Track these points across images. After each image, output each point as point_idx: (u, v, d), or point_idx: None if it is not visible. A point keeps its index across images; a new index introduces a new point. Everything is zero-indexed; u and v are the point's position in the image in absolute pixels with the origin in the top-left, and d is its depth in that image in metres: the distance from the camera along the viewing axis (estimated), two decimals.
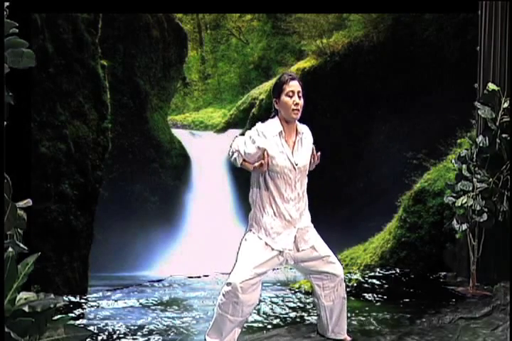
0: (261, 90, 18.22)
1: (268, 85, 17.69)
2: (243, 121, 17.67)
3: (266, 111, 15.58)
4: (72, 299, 7.84)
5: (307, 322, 5.80)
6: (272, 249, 3.33)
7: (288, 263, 3.42)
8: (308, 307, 6.75)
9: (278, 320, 6.22)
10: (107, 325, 6.54)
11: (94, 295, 8.52)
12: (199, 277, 9.62)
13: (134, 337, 6.00)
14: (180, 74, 18.66)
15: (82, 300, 7.95)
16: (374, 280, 7.45)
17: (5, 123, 2.64)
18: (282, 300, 7.15)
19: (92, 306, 7.68)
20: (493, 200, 5.82)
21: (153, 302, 8.03)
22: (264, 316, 6.32)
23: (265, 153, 3.23)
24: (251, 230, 3.39)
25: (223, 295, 3.26)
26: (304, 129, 3.45)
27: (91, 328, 5.92)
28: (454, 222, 6.11)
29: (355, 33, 15.46)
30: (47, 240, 8.23)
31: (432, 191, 8.21)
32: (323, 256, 3.46)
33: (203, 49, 27.81)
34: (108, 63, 11.21)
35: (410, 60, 14.04)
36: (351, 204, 14.84)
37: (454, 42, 13.13)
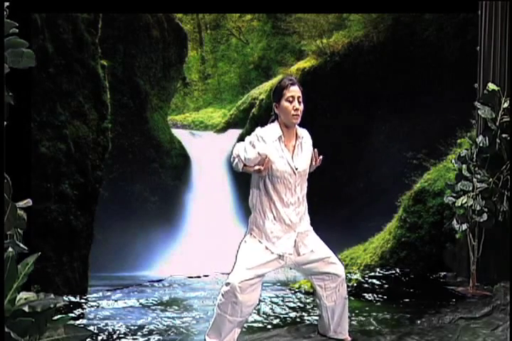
0: (261, 90, 18.21)
1: (268, 85, 17.69)
2: (243, 121, 17.67)
3: (266, 111, 15.60)
4: (72, 299, 7.84)
5: (307, 322, 5.81)
6: (272, 253, 3.33)
7: (288, 266, 3.43)
8: (308, 307, 6.75)
9: (278, 320, 6.23)
10: (107, 325, 6.55)
11: (94, 295, 8.53)
12: (199, 277, 9.63)
13: (134, 337, 6.01)
14: (180, 74, 18.66)
15: (82, 300, 7.96)
16: (374, 280, 7.46)
17: (5, 123, 2.64)
18: (282, 300, 7.16)
19: (92, 306, 7.69)
20: (493, 200, 5.82)
21: (153, 302, 8.04)
22: (264, 316, 6.33)
23: (266, 159, 3.23)
24: (251, 233, 3.40)
25: (222, 295, 3.27)
26: (304, 133, 3.46)
27: (91, 328, 5.92)
28: (454, 222, 6.11)
29: (355, 33, 15.46)
30: (47, 240, 8.23)
31: (432, 191, 8.22)
32: (323, 258, 3.46)
33: (203, 49, 27.82)
34: (108, 63, 11.21)
35: (410, 60, 14.04)
36: (351, 204, 14.84)
37: (454, 42, 13.13)
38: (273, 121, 3.41)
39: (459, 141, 8.22)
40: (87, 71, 9.48)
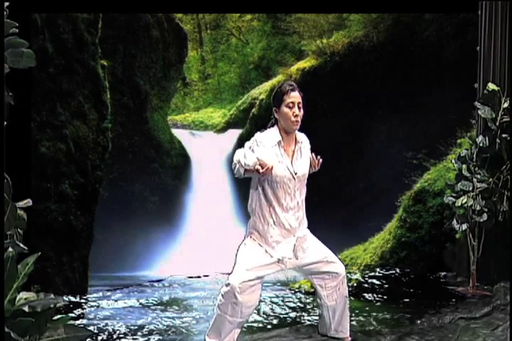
0: (261, 90, 18.20)
1: (268, 85, 17.69)
2: (243, 121, 17.66)
3: (266, 111, 15.59)
4: (72, 299, 7.84)
5: (307, 322, 5.81)
6: (272, 257, 3.35)
7: (288, 268, 3.45)
8: (308, 307, 6.76)
9: (278, 320, 6.23)
10: (107, 325, 6.56)
11: (94, 295, 8.54)
12: (199, 277, 9.63)
13: (134, 337, 6.02)
14: (180, 74, 18.66)
15: (82, 300, 7.96)
16: (374, 280, 7.46)
17: (5, 123, 2.64)
18: (282, 300, 7.16)
19: (92, 306, 7.70)
20: (493, 200, 5.82)
21: (153, 302, 8.04)
22: (264, 316, 6.33)
23: (268, 165, 3.22)
24: (251, 236, 3.41)
25: (222, 295, 3.27)
26: (303, 138, 3.47)
27: (91, 328, 5.92)
28: (454, 222, 6.11)
29: (355, 33, 15.46)
30: (47, 240, 8.23)
31: (432, 191, 8.22)
32: (322, 259, 3.47)
33: (203, 49, 27.81)
34: (108, 63, 11.21)
35: (410, 60, 14.04)
36: (351, 204, 14.83)
37: (454, 42, 13.12)
38: (272, 126, 3.42)
39: (459, 141, 8.21)
40: (87, 71, 9.48)
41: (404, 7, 9.18)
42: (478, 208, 5.81)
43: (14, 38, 2.64)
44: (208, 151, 16.55)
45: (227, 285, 3.25)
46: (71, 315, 6.67)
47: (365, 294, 6.91)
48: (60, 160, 8.67)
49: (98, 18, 9.96)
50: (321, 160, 3.47)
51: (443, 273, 7.39)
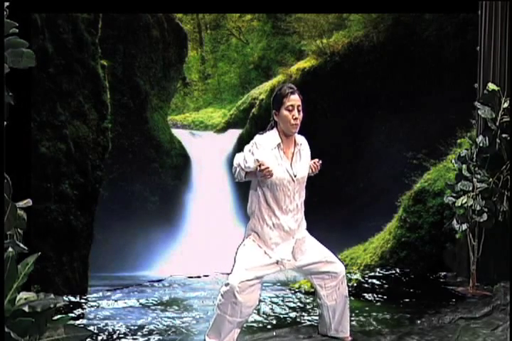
0: (261, 90, 18.20)
1: (268, 85, 17.68)
2: (243, 121, 17.65)
3: (266, 111, 15.59)
4: (72, 299, 7.84)
5: (307, 322, 5.81)
6: (270, 258, 3.36)
7: (287, 269, 3.46)
8: (308, 307, 6.76)
9: (278, 320, 6.23)
10: (107, 325, 6.55)
11: (94, 295, 8.54)
12: (199, 277, 9.63)
13: (134, 337, 6.01)
14: (180, 74, 18.65)
15: (82, 300, 7.96)
16: (374, 280, 7.46)
17: (5, 123, 2.64)
18: (282, 300, 7.16)
19: (92, 306, 7.70)
20: (493, 200, 5.82)
21: (153, 302, 8.04)
22: (264, 316, 6.33)
23: (267, 168, 3.22)
24: (250, 237, 3.41)
25: (222, 295, 3.28)
26: (302, 140, 3.48)
27: (91, 328, 5.92)
28: (454, 222, 6.11)
29: (355, 33, 15.45)
30: (47, 240, 8.22)
31: (432, 191, 8.22)
32: (321, 259, 3.48)
33: (203, 49, 27.81)
34: (108, 63, 11.21)
35: (410, 60, 14.03)
36: (351, 204, 14.83)
37: (454, 42, 13.12)
38: (272, 128, 3.42)
39: (459, 141, 8.21)
40: (87, 71, 9.48)
41: (404, 7, 9.18)
42: (478, 208, 5.81)
43: (14, 38, 2.64)
44: (208, 151, 16.55)
45: (227, 284, 3.26)
46: (71, 315, 6.67)
47: (365, 294, 6.91)
48: (60, 160, 8.67)
49: (98, 18, 9.96)
50: (320, 162, 3.48)
51: (443, 273, 7.39)
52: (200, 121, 23.27)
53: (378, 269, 8.05)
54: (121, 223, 14.26)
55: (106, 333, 6.15)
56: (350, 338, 3.68)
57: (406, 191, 8.90)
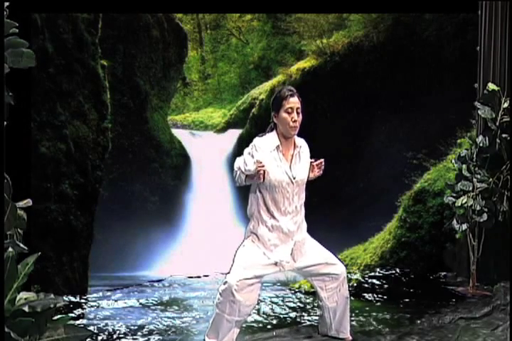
0: (261, 90, 18.19)
1: (268, 85, 17.68)
2: (243, 121, 17.65)
3: (266, 111, 15.58)
4: (72, 299, 7.85)
5: (307, 322, 5.81)
6: (269, 258, 3.36)
7: (286, 270, 3.47)
8: (308, 307, 6.76)
9: (278, 320, 6.23)
10: (107, 325, 6.56)
11: (94, 295, 8.54)
12: (199, 277, 9.63)
13: (134, 337, 6.02)
14: (180, 74, 18.65)
15: (82, 300, 7.96)
16: (374, 280, 7.46)
17: (5, 123, 2.64)
18: (282, 300, 7.16)
19: (92, 306, 7.70)
20: (493, 200, 5.82)
21: (153, 302, 8.04)
22: (264, 316, 6.33)
23: (263, 166, 3.22)
24: (249, 238, 3.42)
25: (220, 294, 3.29)
26: (302, 143, 3.49)
27: (91, 328, 5.92)
28: (454, 222, 6.11)
29: (355, 33, 15.45)
30: (47, 240, 8.23)
31: (432, 191, 8.21)
32: (322, 261, 3.49)
33: (203, 49, 27.81)
34: (108, 63, 11.21)
35: (410, 60, 14.03)
36: (351, 204, 14.83)
37: (454, 42, 13.12)
38: (271, 130, 3.43)
39: (459, 141, 8.21)
40: (87, 71, 9.48)
41: (404, 7, 9.18)
42: (478, 208, 5.81)
43: (14, 38, 2.64)
44: (207, 151, 16.55)
45: (225, 283, 3.27)
46: (71, 315, 6.67)
47: (365, 294, 6.91)
48: (60, 160, 8.67)
49: (98, 18, 9.96)
50: (322, 161, 3.47)
51: (443, 273, 7.39)
52: (200, 121, 23.26)
53: (378, 269, 8.05)
54: (121, 223, 14.25)
55: (106, 333, 6.16)
56: (350, 338, 3.68)
57: (406, 191, 8.90)
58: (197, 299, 8.29)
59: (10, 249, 2.56)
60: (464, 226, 5.97)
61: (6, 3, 2.67)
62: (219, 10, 17.58)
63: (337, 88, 15.19)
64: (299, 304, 7.00)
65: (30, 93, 4.38)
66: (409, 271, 7.88)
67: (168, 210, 15.57)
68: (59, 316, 2.67)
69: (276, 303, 7.01)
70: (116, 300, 8.11)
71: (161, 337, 5.95)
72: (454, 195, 6.08)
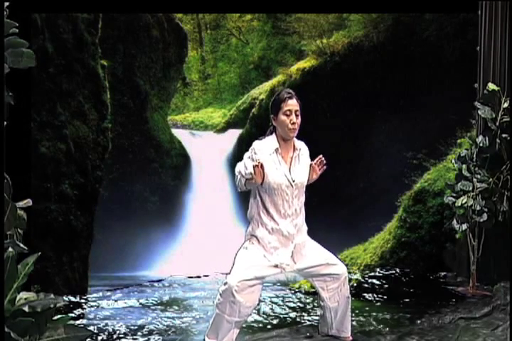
0: (261, 90, 18.20)
1: (268, 85, 17.68)
2: (243, 121, 17.66)
3: (266, 111, 15.57)
4: (72, 299, 7.84)
5: (307, 322, 5.81)
6: (269, 261, 3.36)
7: (287, 272, 3.47)
8: (308, 307, 6.76)
9: (278, 320, 6.23)
10: (107, 325, 6.56)
11: (94, 295, 8.54)
12: (199, 277, 9.63)
13: (134, 337, 6.02)
14: (180, 74, 18.65)
15: (82, 300, 7.96)
16: (374, 280, 7.46)
17: (5, 123, 2.64)
18: (282, 300, 7.16)
19: (92, 306, 7.70)
20: (493, 200, 5.82)
21: (153, 302, 8.04)
22: (264, 316, 6.33)
23: (260, 164, 3.22)
24: (250, 240, 3.42)
25: (220, 294, 3.29)
26: (301, 146, 3.49)
27: (91, 328, 5.92)
28: (454, 222, 6.11)
29: (355, 33, 15.45)
30: (47, 240, 8.23)
31: (432, 191, 8.22)
32: (322, 262, 3.49)
33: (203, 49, 27.81)
34: (108, 63, 11.20)
35: (410, 60, 14.03)
36: (351, 204, 14.83)
37: (454, 42, 13.12)
38: (271, 133, 3.43)
39: (459, 141, 8.21)
40: (87, 71, 9.48)
41: (404, 7, 9.20)
42: (478, 208, 5.81)
43: (14, 38, 2.64)
44: (207, 151, 16.55)
45: (225, 284, 3.27)
46: (71, 315, 6.67)
47: (365, 294, 6.91)
48: (60, 160, 8.67)
49: (98, 18, 9.96)
50: (323, 158, 3.47)
51: (443, 273, 7.39)
52: (200, 121, 23.27)
53: (378, 269, 8.05)
54: (121, 223, 14.25)
55: (106, 333, 6.16)
56: (350, 338, 3.68)
57: (406, 191, 8.90)
58: (197, 299, 8.29)
59: (10, 249, 2.56)
60: (464, 226, 5.97)
61: (6, 3, 2.67)
62: (219, 10, 17.60)
63: (337, 88, 15.19)
64: (299, 304, 7.00)
65: (30, 93, 4.37)
66: (409, 271, 7.88)
67: (168, 210, 15.58)
68: (59, 316, 2.67)
69: (276, 303, 7.01)
70: (116, 300, 8.11)
71: (161, 337, 5.95)
72: (454, 195, 6.08)
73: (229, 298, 3.23)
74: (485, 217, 5.78)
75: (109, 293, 8.69)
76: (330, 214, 13.86)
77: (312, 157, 3.54)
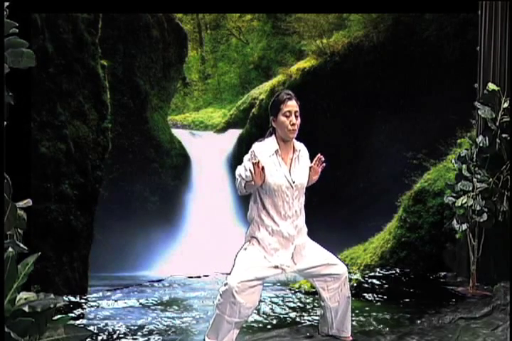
0: (261, 90, 18.20)
1: (268, 85, 17.68)
2: (243, 121, 17.65)
3: (266, 111, 15.48)
4: (72, 299, 7.84)
5: (307, 322, 5.81)
6: (270, 262, 3.36)
7: (287, 273, 3.48)
8: (308, 307, 6.76)
9: (278, 320, 6.23)
10: (107, 325, 6.56)
11: (94, 295, 8.54)
12: (199, 277, 9.63)
13: (134, 337, 6.02)
14: (180, 74, 18.65)
15: (82, 300, 7.96)
16: (374, 280, 7.46)
17: (5, 123, 2.64)
18: (282, 300, 7.16)
19: (92, 306, 7.70)
20: (493, 200, 5.82)
21: (153, 302, 8.04)
22: (264, 316, 6.33)
23: (260, 164, 3.20)
24: (250, 241, 3.42)
25: (220, 295, 3.29)
26: (301, 147, 3.49)
27: (91, 328, 5.92)
28: (454, 222, 6.11)
29: (355, 33, 15.45)
30: (47, 240, 8.23)
31: (432, 191, 8.22)
32: (323, 262, 3.49)
33: (203, 49, 27.81)
34: (108, 63, 11.20)
35: (410, 60, 14.03)
36: (351, 204, 14.83)
37: (454, 42, 13.12)
38: (270, 135, 3.43)
39: (459, 141, 8.21)
40: (87, 71, 9.48)
41: (404, 7, 9.19)
42: (478, 208, 5.81)
43: (14, 38, 2.64)
44: (207, 151, 16.55)
45: (225, 284, 3.27)
46: (71, 315, 6.67)
47: (365, 294, 6.91)
48: (60, 160, 8.67)
49: (98, 18, 9.95)
50: (322, 157, 3.47)
51: (443, 273, 7.39)
52: (200, 121, 23.27)
53: (378, 269, 8.05)
54: (121, 223, 14.25)
55: (106, 333, 6.16)
56: (350, 338, 3.68)
57: (406, 191, 8.90)
58: (197, 299, 8.29)
59: (10, 249, 2.56)
60: (464, 226, 5.97)
61: (6, 3, 2.67)
62: (219, 10, 17.60)
63: (337, 88, 15.19)
64: (299, 304, 7.00)
65: (30, 93, 4.37)
66: (409, 271, 7.88)
67: (168, 210, 15.57)
68: (59, 316, 2.67)
69: (276, 303, 7.01)
70: (116, 300, 8.11)
71: (161, 337, 5.95)
72: (454, 195, 6.08)
73: (229, 298, 3.23)
74: (485, 217, 5.78)
75: (109, 293, 8.69)
76: (330, 214, 13.86)
77: (312, 157, 3.54)
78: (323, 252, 3.52)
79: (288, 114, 3.34)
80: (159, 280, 9.81)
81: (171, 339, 5.91)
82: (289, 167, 3.38)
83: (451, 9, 10.38)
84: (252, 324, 5.75)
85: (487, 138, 5.84)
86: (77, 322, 6.43)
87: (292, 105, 3.36)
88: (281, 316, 6.44)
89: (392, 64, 14.40)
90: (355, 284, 7.18)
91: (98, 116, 9.67)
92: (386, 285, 7.30)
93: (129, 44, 15.51)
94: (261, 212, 3.37)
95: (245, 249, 3.40)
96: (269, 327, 5.77)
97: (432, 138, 10.42)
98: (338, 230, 12.74)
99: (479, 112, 5.96)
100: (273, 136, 3.42)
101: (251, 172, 3.20)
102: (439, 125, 12.11)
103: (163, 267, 13.77)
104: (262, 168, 3.21)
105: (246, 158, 3.35)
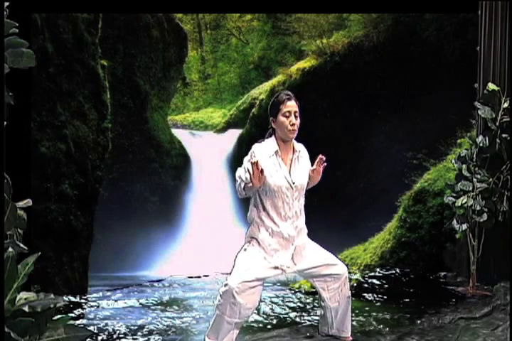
0: (261, 90, 18.20)
1: (268, 85, 17.68)
2: (243, 121, 17.66)
3: (266, 111, 15.46)
4: (72, 299, 7.84)
5: (307, 322, 5.81)
6: (270, 263, 3.37)
7: (288, 274, 3.47)
8: (308, 307, 6.76)
9: (278, 320, 6.23)
10: (107, 325, 6.55)
11: (94, 295, 8.54)
12: (199, 277, 9.63)
13: (134, 337, 6.01)
14: (180, 74, 18.65)
15: (82, 300, 7.96)
16: (374, 280, 7.46)
17: (5, 123, 2.64)
18: (282, 300, 7.16)
19: (92, 306, 7.70)
20: (493, 200, 5.82)
21: (153, 302, 8.04)
22: (264, 316, 6.33)
23: (258, 166, 3.18)
24: (250, 242, 3.41)
25: (221, 295, 3.29)
26: (301, 148, 3.49)
27: (91, 328, 5.92)
28: (454, 222, 6.11)
29: (355, 33, 15.45)
30: (47, 240, 8.23)
31: (432, 191, 8.22)
32: (323, 263, 3.49)
33: (203, 49, 27.81)
34: (108, 63, 11.20)
35: (410, 60, 14.03)
36: (351, 204, 14.83)
37: (454, 42, 13.12)
38: (270, 136, 3.43)
39: (459, 141, 8.21)
40: (87, 71, 9.48)
41: (404, 7, 9.19)
42: (478, 208, 5.81)
43: (14, 37, 2.64)
44: (207, 151, 16.56)
45: (226, 285, 3.26)
46: (71, 315, 6.67)
47: (365, 294, 6.91)
48: (60, 160, 8.67)
49: (98, 18, 9.96)
50: (323, 157, 3.47)
51: (443, 273, 7.39)
52: (200, 121, 23.27)
53: (378, 269, 8.05)
54: (121, 223, 14.25)
55: (106, 333, 6.15)
56: (350, 338, 3.68)
57: (406, 191, 8.90)
58: (197, 299, 8.29)
59: (10, 249, 2.56)
60: (464, 226, 5.97)
61: (6, 3, 2.67)
62: (219, 10, 17.60)
63: (337, 88, 15.19)
64: (299, 304, 7.00)
65: (30, 93, 4.37)
66: (409, 271, 7.88)
67: (168, 210, 15.58)
68: (59, 316, 2.67)
69: (276, 303, 7.01)
70: (116, 300, 8.11)
71: (161, 337, 5.95)
72: (454, 195, 6.08)
73: (229, 299, 3.23)
74: (485, 217, 5.79)
75: (109, 293, 8.69)
76: (330, 214, 13.86)
77: (312, 157, 3.54)
78: (323, 252, 3.52)
79: (287, 114, 3.34)
80: (159, 280, 9.81)
81: (170, 339, 5.91)
82: (288, 168, 3.38)
83: (451, 9, 10.38)
84: (252, 324, 5.75)
85: (487, 138, 5.84)
86: (77, 322, 6.43)
87: (292, 105, 3.35)
88: (281, 316, 6.44)
89: (392, 64, 14.40)
90: (355, 284, 7.18)
91: (98, 116, 9.67)
92: (386, 285, 7.29)
93: (129, 44, 15.51)
94: (261, 213, 3.37)
95: (245, 249, 3.40)
96: (269, 327, 5.76)
97: (432, 138, 10.42)
98: (338, 230, 12.74)
99: (479, 112, 5.96)
100: (273, 137, 3.42)
101: (249, 173, 3.19)
102: (439, 125, 12.11)
103: (163, 267, 13.77)
104: (261, 171, 3.18)
105: (246, 159, 3.34)
